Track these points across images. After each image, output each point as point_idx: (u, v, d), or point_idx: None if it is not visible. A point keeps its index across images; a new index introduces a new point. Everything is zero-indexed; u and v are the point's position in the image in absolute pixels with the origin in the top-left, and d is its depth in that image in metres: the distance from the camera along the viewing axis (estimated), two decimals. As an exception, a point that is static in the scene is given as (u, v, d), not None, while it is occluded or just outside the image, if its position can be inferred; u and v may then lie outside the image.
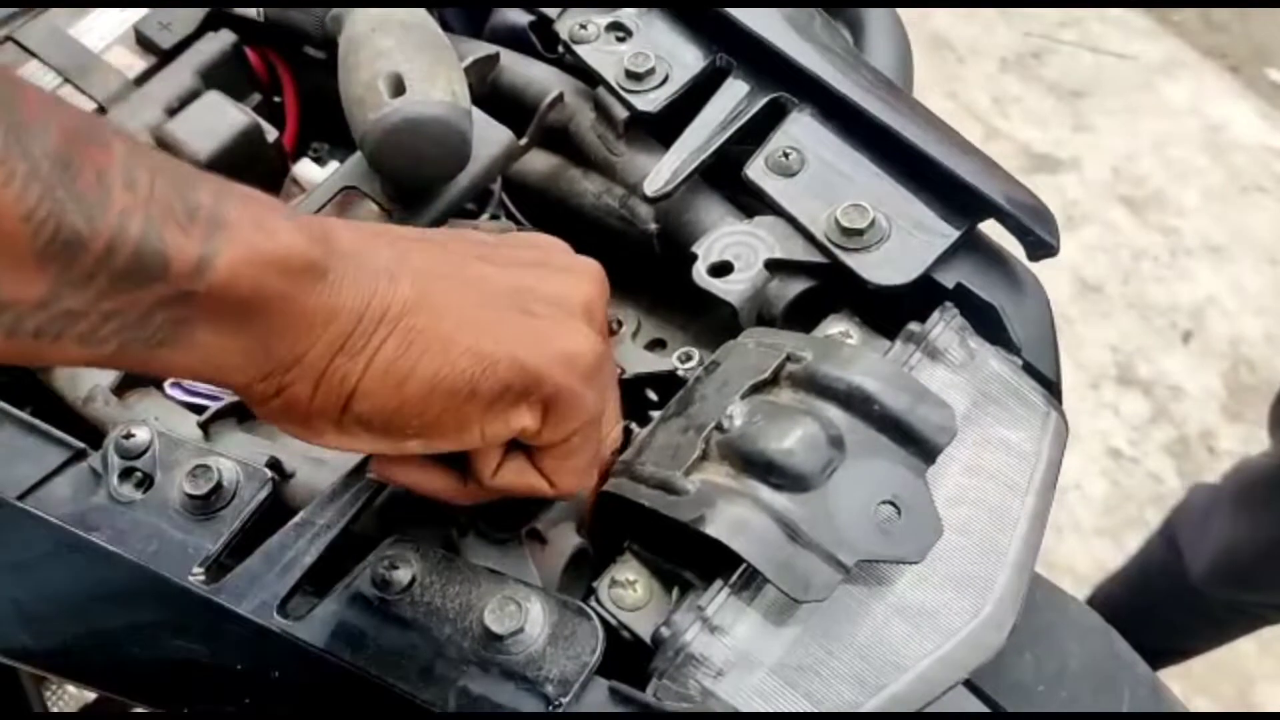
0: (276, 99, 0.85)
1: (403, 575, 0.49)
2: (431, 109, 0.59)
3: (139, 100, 0.80)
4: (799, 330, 0.58)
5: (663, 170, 0.62)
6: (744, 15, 0.63)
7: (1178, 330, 2.22)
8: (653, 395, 0.60)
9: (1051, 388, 0.53)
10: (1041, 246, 0.55)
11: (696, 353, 0.62)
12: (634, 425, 0.55)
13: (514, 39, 0.74)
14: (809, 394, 0.50)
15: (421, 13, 0.64)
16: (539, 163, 0.71)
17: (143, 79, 0.82)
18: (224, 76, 0.82)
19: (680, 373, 0.58)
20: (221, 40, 0.83)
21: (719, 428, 0.50)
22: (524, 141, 0.67)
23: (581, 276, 0.49)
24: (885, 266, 0.55)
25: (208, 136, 0.76)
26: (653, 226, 0.64)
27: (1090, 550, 1.98)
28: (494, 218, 0.71)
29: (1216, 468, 2.11)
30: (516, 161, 0.69)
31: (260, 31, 0.85)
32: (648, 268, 0.66)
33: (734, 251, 0.58)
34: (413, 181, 0.63)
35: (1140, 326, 2.22)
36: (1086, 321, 2.21)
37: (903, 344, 0.54)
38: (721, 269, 0.57)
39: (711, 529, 0.45)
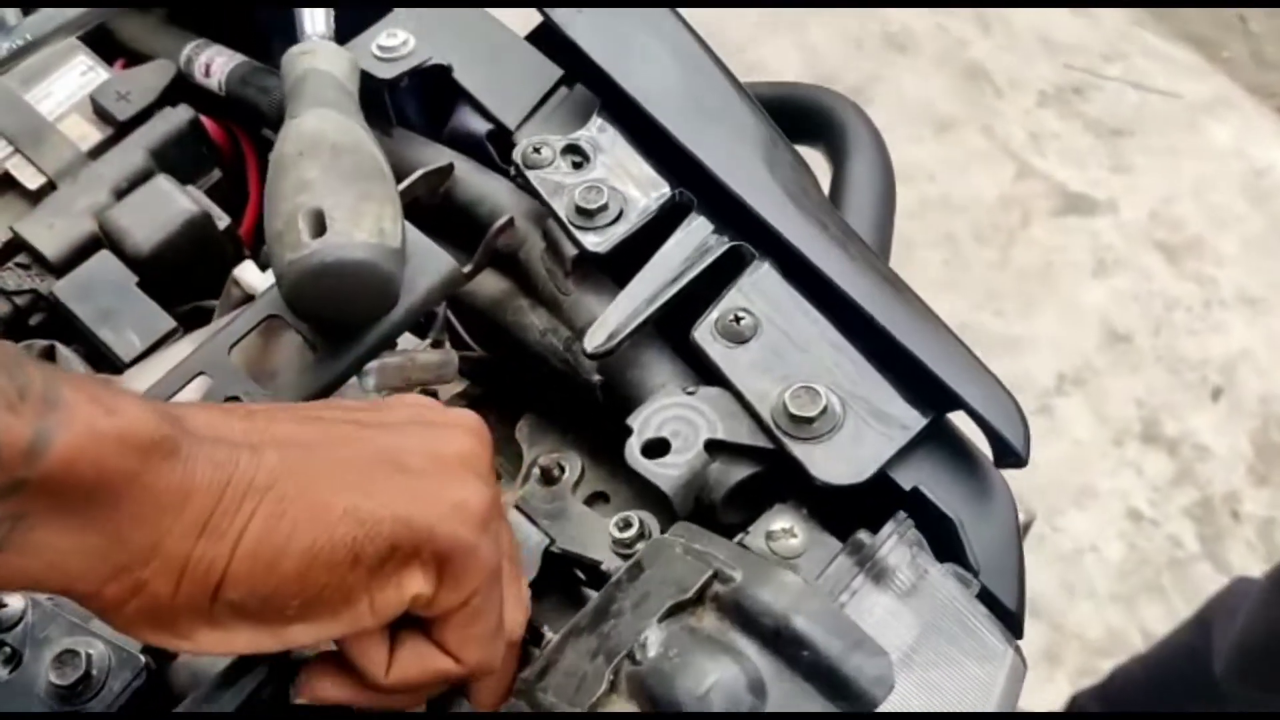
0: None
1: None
2: (353, 252, 0.54)
3: (87, 178, 0.76)
4: (742, 517, 0.53)
5: (606, 323, 0.56)
6: (705, 152, 0.58)
7: (1207, 386, 2.14)
8: (580, 574, 0.55)
9: (1012, 620, 0.48)
10: (1008, 455, 0.50)
11: (637, 520, 0.56)
12: (546, 630, 0.50)
13: (473, 146, 0.68)
14: (733, 625, 0.45)
15: (358, 134, 0.59)
16: (489, 285, 0.66)
17: (97, 151, 0.79)
18: (179, 155, 0.78)
19: (605, 566, 0.52)
20: (178, 117, 0.78)
21: (631, 656, 0.45)
22: (468, 269, 0.62)
23: (457, 430, 0.45)
24: (835, 461, 0.50)
25: (151, 227, 0.72)
26: (596, 378, 0.59)
27: (1103, 616, 1.92)
28: (437, 343, 0.66)
29: (1239, 533, 2.04)
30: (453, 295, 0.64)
31: (220, 105, 0.81)
32: (594, 412, 0.61)
33: (673, 428, 0.52)
34: (334, 323, 0.58)
35: (1169, 380, 2.14)
36: (1113, 373, 2.13)
37: (847, 558, 0.48)
38: (657, 448, 0.52)
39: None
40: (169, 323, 0.69)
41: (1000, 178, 2.32)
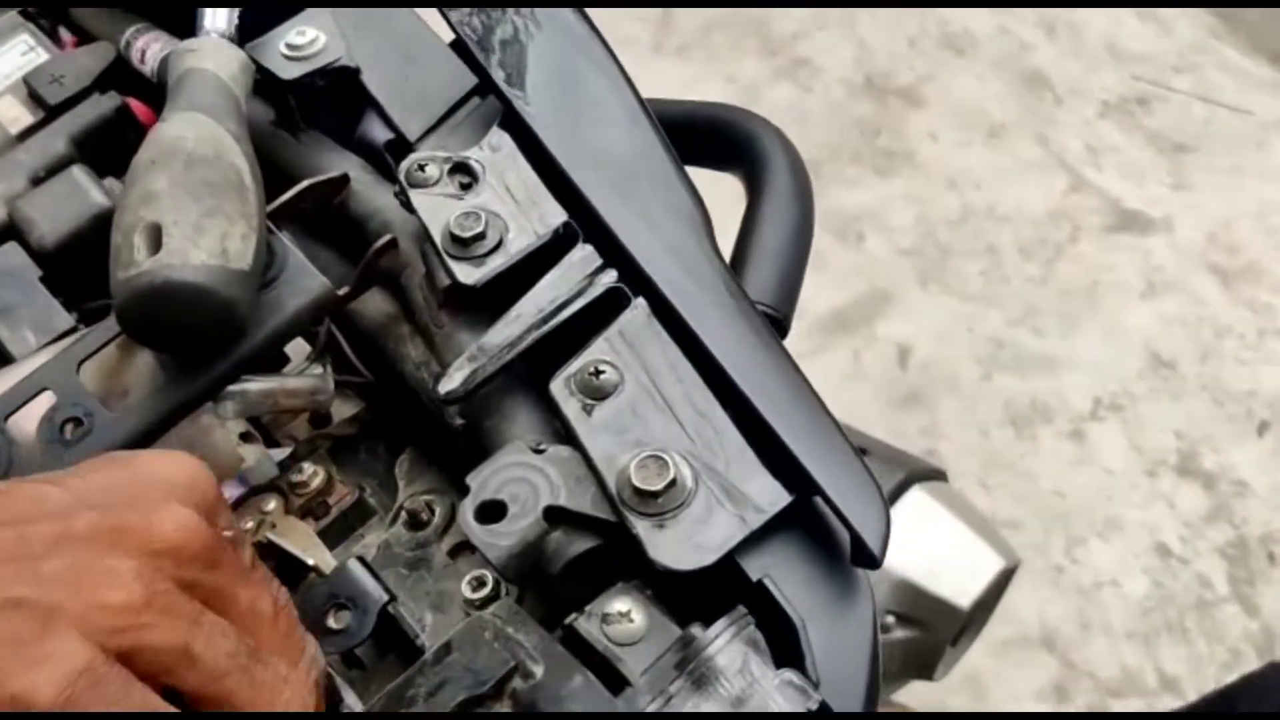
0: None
1: None
2: (182, 273, 0.50)
3: (7, 164, 0.73)
4: (586, 590, 0.48)
5: (463, 365, 0.52)
6: (585, 179, 0.53)
7: (1253, 420, 2.03)
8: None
9: (853, 742, 0.42)
10: (862, 554, 0.44)
11: (491, 580, 0.52)
12: (347, 697, 0.46)
13: (377, 156, 0.64)
14: (524, 726, 0.40)
15: (223, 143, 0.55)
16: (375, 307, 0.62)
17: (24, 135, 0.76)
18: (103, 144, 0.75)
19: (420, 642, 0.48)
20: (104, 104, 0.75)
21: (410, 753, 0.40)
22: (344, 291, 0.58)
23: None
24: (678, 545, 0.45)
25: (60, 219, 0.69)
26: (458, 422, 0.55)
27: (1117, 654, 1.83)
28: (322, 363, 0.62)
29: (1275, 577, 1.94)
30: (337, 313, 0.59)
31: (154, 92, 0.78)
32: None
33: (511, 491, 0.48)
34: (169, 350, 0.54)
35: (1212, 412, 2.04)
36: (1153, 400, 2.03)
37: (673, 654, 0.43)
38: (492, 511, 0.48)
39: None
40: (67, 321, 0.66)
41: (1051, 190, 2.22)
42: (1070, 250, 2.16)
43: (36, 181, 0.72)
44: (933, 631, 1.08)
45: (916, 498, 1.11)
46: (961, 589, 1.07)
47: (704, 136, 0.64)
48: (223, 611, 0.40)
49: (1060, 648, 1.81)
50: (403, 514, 0.57)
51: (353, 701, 0.47)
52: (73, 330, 0.66)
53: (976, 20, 2.42)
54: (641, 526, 0.46)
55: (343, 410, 0.65)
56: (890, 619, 1.07)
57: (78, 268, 0.69)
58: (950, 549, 1.09)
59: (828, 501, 0.45)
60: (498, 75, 0.58)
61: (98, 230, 0.70)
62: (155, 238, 0.51)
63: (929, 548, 1.07)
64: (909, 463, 1.13)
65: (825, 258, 2.10)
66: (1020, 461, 1.96)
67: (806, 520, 0.47)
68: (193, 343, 0.53)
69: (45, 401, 0.55)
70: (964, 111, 2.30)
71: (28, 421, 0.54)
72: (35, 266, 0.68)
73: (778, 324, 0.58)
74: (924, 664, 1.12)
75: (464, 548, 0.57)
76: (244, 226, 0.53)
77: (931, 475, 1.14)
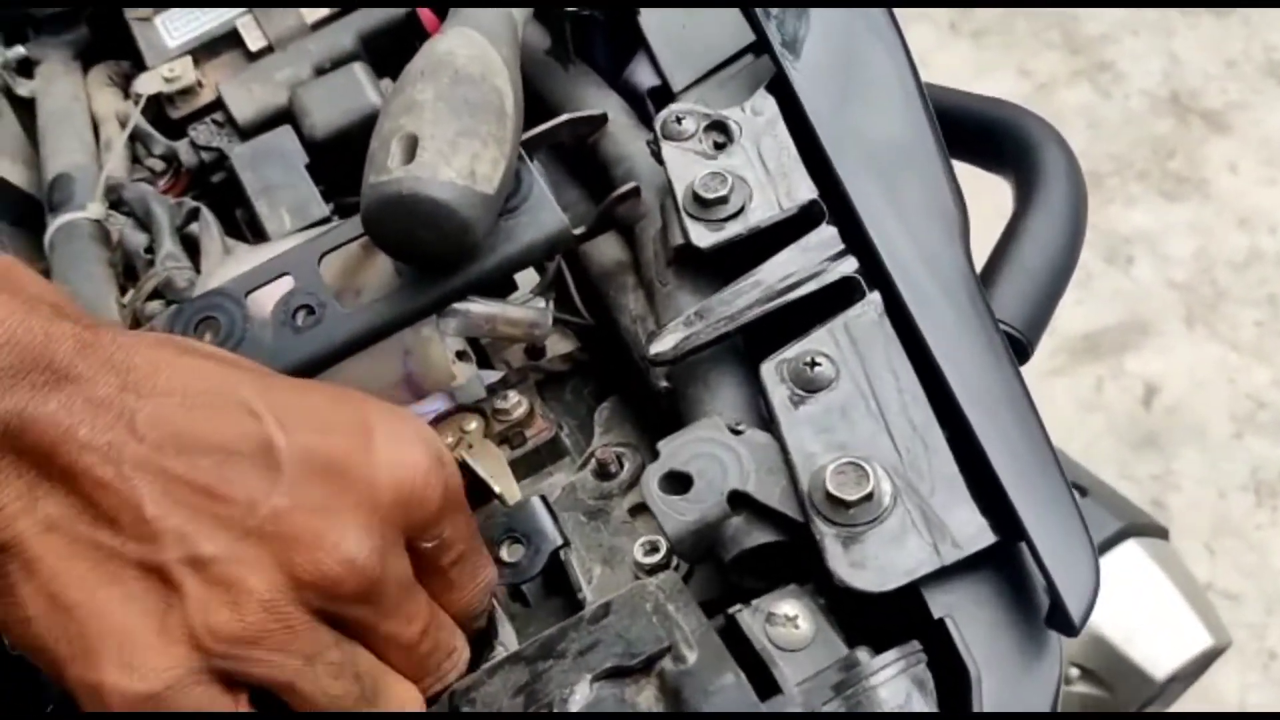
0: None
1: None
2: (430, 188, 0.51)
3: (296, 51, 0.77)
4: (756, 582, 0.46)
5: (676, 329, 0.50)
6: (843, 159, 0.50)
7: None
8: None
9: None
10: (1060, 618, 0.41)
11: (665, 547, 0.51)
12: (498, 642, 0.46)
13: (639, 100, 0.63)
14: (669, 708, 0.39)
15: (492, 64, 0.55)
16: (608, 253, 0.61)
17: (319, 25, 0.79)
18: (388, 46, 0.77)
19: (581, 596, 0.47)
20: (395, 9, 0.77)
21: (549, 709, 0.40)
22: (580, 231, 0.57)
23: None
24: (861, 561, 0.43)
25: (333, 112, 0.72)
26: (663, 384, 0.54)
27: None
28: (546, 297, 0.62)
29: None
30: (570, 252, 0.59)
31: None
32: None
33: (700, 466, 0.46)
34: (404, 259, 0.55)
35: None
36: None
37: (834, 674, 0.41)
38: (677, 482, 0.46)
39: None
40: (322, 210, 0.69)
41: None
42: (1362, 321, 1.96)
43: (320, 72, 0.75)
44: (1117, 695, 1.01)
45: (1131, 551, 1.03)
46: (1158, 659, 1.00)
47: (979, 132, 0.60)
48: (360, 636, 0.40)
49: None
50: (593, 461, 0.57)
51: (508, 639, 0.47)
52: (326, 221, 0.69)
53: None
54: (827, 534, 0.43)
55: (558, 346, 0.65)
56: (1075, 671, 1.01)
57: (341, 161, 0.71)
58: (1156, 613, 1.01)
59: (1034, 553, 0.42)
60: (775, 37, 0.56)
61: (364, 129, 0.72)
62: (410, 148, 0.52)
63: (1133, 607, 1.00)
64: (1130, 513, 1.05)
65: (1088, 276, 1.97)
66: (1255, 532, 1.80)
67: (1006, 566, 0.43)
68: (427, 256, 0.54)
69: (284, 285, 0.57)
70: (1274, 146, 2.11)
71: (266, 300, 0.57)
72: (304, 153, 0.70)
73: (1019, 348, 0.54)
74: (1097, 722, 1.05)
75: (644, 509, 0.56)
76: (496, 151, 0.53)
77: (1152, 531, 1.06)
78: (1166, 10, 2.23)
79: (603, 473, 0.57)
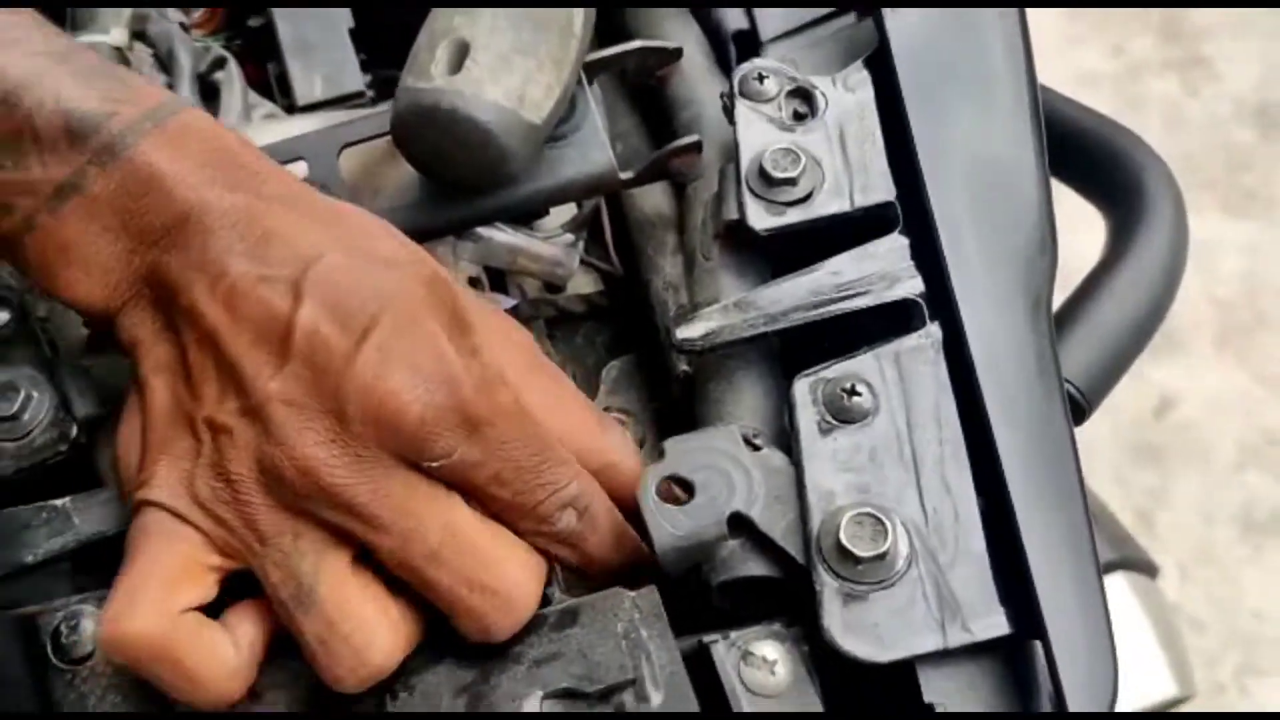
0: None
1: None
2: (471, 106, 0.45)
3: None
4: (737, 609, 0.42)
5: (710, 317, 0.46)
6: (931, 161, 0.45)
7: None
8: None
9: None
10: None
11: (649, 543, 0.47)
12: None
13: (721, 44, 0.57)
14: (618, 749, 0.36)
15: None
16: (651, 204, 0.56)
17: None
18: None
19: (548, 591, 0.43)
20: None
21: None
22: (626, 176, 0.52)
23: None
24: (861, 628, 0.39)
25: None
26: (682, 368, 0.49)
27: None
28: (577, 236, 0.57)
29: None
30: (612, 194, 0.54)
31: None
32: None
33: (706, 477, 0.42)
34: (430, 175, 0.50)
35: None
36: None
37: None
38: (678, 489, 0.42)
39: None
40: (358, 83, 0.64)
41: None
42: None
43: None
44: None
45: (1118, 585, 1.00)
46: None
47: (1087, 155, 0.54)
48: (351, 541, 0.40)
49: (1190, 767, 1.67)
50: (593, 423, 0.52)
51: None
52: (359, 95, 0.63)
53: None
54: (828, 586, 0.39)
55: (579, 284, 0.60)
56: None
57: (389, 31, 0.65)
58: (1128, 652, 0.98)
59: (1049, 657, 0.38)
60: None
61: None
62: (459, 55, 0.46)
63: (1107, 643, 0.97)
64: (1127, 546, 1.01)
65: (1128, 275, 1.90)
66: (1233, 566, 1.78)
67: (1015, 661, 0.39)
68: (454, 177, 0.49)
69: (298, 170, 0.52)
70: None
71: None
72: (349, 15, 0.65)
73: (1078, 410, 0.50)
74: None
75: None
76: (552, 75, 0.47)
77: (1143, 567, 1.03)
78: (1281, 17, 2.11)
79: (601, 437, 0.52)
